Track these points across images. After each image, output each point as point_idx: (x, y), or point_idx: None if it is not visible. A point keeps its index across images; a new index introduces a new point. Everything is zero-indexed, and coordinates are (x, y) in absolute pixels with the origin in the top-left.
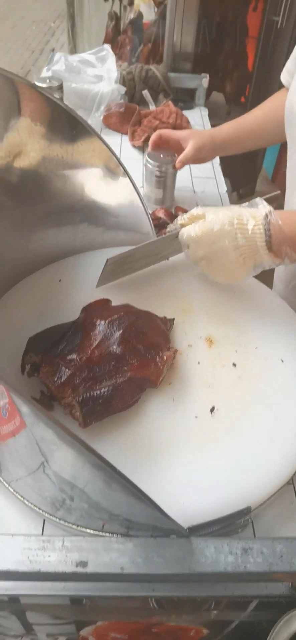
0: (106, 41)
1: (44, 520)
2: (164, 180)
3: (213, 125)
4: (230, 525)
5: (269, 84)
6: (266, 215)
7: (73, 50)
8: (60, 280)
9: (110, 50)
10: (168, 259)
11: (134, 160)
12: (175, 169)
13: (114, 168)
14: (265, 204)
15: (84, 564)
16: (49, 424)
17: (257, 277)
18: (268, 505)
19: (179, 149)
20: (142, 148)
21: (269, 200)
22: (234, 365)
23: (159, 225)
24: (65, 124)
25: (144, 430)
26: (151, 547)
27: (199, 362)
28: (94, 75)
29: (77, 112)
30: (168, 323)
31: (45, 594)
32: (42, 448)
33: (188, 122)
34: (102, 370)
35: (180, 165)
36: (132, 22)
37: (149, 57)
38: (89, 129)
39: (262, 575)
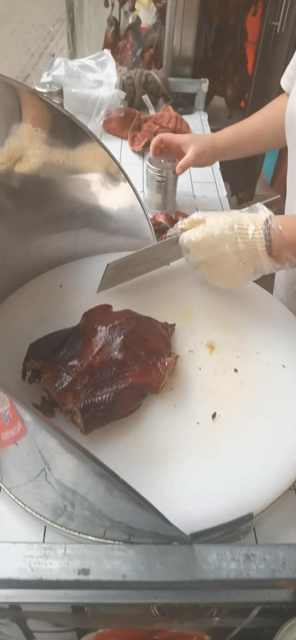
0: (105, 47)
1: (45, 527)
2: (165, 185)
3: (213, 130)
4: (232, 531)
5: (268, 89)
6: (267, 220)
7: (73, 54)
8: (61, 286)
9: (110, 55)
10: (168, 264)
11: (134, 165)
12: (175, 174)
13: (115, 173)
14: (265, 209)
15: (86, 571)
16: (51, 432)
17: (258, 281)
18: (270, 511)
19: (180, 153)
20: (142, 153)
21: (269, 205)
22: (235, 370)
23: (160, 230)
24: (66, 130)
25: (145, 436)
26: (153, 554)
27: (200, 368)
28: (94, 80)
29: (78, 117)
30: (169, 328)
31: (46, 602)
32: (43, 455)
33: (187, 126)
34: (103, 377)
35: (180, 170)
36: (131, 27)
37: (150, 63)
38: (90, 135)
39: (265, 582)
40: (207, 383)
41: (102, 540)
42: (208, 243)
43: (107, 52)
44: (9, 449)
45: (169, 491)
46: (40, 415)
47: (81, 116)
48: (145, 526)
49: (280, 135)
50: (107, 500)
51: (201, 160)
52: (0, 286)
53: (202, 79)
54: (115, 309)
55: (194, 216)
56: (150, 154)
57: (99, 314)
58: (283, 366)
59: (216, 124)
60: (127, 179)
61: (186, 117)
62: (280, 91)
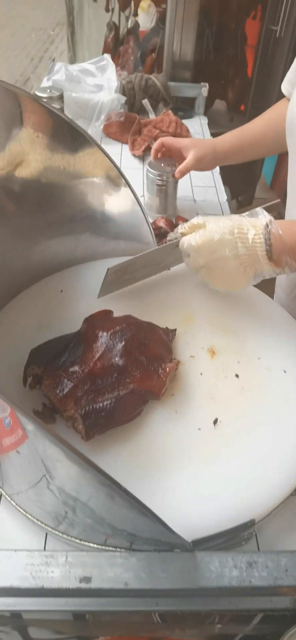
0: (105, 51)
1: (47, 534)
2: (165, 190)
3: (215, 134)
4: (234, 538)
5: (268, 93)
6: (267, 225)
7: (73, 57)
8: (61, 291)
9: (110, 59)
10: (169, 268)
11: (135, 170)
12: (175, 179)
13: (116, 178)
14: (265, 213)
15: (87, 579)
16: (52, 441)
17: (258, 285)
18: (272, 517)
19: (181, 157)
20: (142, 157)
21: (269, 209)
22: (236, 376)
23: (160, 235)
24: (67, 135)
25: (147, 442)
26: (155, 561)
27: (201, 373)
28: (94, 84)
29: (78, 121)
30: (170, 334)
31: (47, 610)
32: (45, 462)
33: (187, 131)
34: (104, 383)
35: (179, 175)
36: (132, 32)
37: (152, 67)
38: (91, 140)
39: (267, 589)
40: (208, 388)
41: (103, 547)
42: (209, 247)
43: (107, 56)
44: (9, 455)
45: (171, 497)
46: (41, 424)
47: (81, 120)
48: (147, 533)
49: (281, 140)
50: (109, 508)
51: (201, 165)
52: (1, 291)
53: (202, 83)
54: (116, 314)
55: (195, 220)
56: (151, 157)
57: (100, 320)
58: (284, 371)
59: (217, 127)
60: (127, 183)
61: (186, 122)
62: (280, 94)
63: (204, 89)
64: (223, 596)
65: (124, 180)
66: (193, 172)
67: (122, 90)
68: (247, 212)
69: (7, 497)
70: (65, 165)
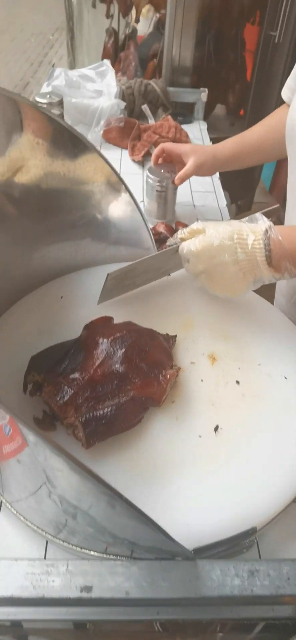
0: (104, 57)
1: (47, 542)
2: (165, 195)
3: (215, 139)
4: (235, 546)
5: (267, 98)
6: (266, 231)
7: (72, 62)
8: (62, 297)
9: (109, 65)
10: (169, 274)
11: (134, 175)
12: (175, 185)
13: (116, 184)
14: (265, 219)
15: (88, 588)
16: (53, 451)
17: (258, 291)
18: (273, 524)
19: (182, 163)
20: (142, 162)
21: (268, 214)
22: (237, 382)
23: (160, 240)
24: (67, 142)
25: (147, 450)
26: (156, 570)
27: (202, 380)
28: (93, 90)
29: (78, 126)
30: (171, 340)
31: (48, 619)
32: (45, 470)
33: (187, 136)
34: (105, 390)
35: (179, 181)
36: (132, 38)
37: (154, 73)
38: (91, 147)
39: (269, 598)
40: (209, 395)
41: (104, 555)
42: (208, 253)
43: (106, 62)
44: (9, 462)
45: (172, 506)
46: (41, 434)
47: (80, 126)
48: (148, 542)
49: (281, 146)
50: (110, 516)
51: (201, 172)
52: (1, 298)
53: (201, 89)
54: (116, 320)
55: (194, 226)
56: (152, 163)
57: (100, 326)
58: (285, 377)
59: (217, 132)
60: (127, 189)
61: (185, 127)
62: (279, 99)
63: (203, 95)
64: (225, 605)
65: (124, 186)
66: (192, 178)
67: (122, 95)
68: (246, 218)
69: (7, 504)
70: (65, 172)
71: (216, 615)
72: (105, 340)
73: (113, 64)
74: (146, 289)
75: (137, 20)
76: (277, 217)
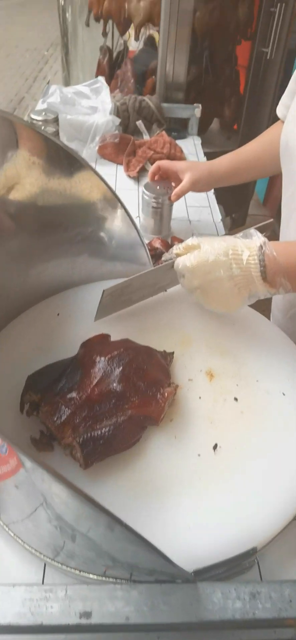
0: (99, 74)
1: (45, 565)
2: (160, 211)
3: (211, 153)
4: (236, 566)
5: (260, 113)
6: (261, 246)
7: (67, 77)
8: (58, 314)
9: (104, 82)
10: (165, 290)
11: (130, 191)
12: (171, 202)
13: (111, 200)
14: (259, 234)
15: (88, 614)
16: (50, 479)
17: (255, 306)
18: (274, 543)
19: (177, 180)
20: (137, 178)
21: (262, 229)
22: (235, 399)
23: (156, 256)
24: (63, 161)
25: (146, 469)
26: (156, 594)
27: (200, 397)
28: (88, 106)
29: (73, 143)
30: (168, 357)
31: None
32: (42, 492)
33: (181, 151)
34: (102, 409)
35: (175, 198)
36: (123, 54)
37: (153, 89)
38: (86, 165)
39: (271, 621)
40: (207, 413)
41: (103, 578)
42: (203, 268)
43: (101, 79)
44: (6, 483)
45: (171, 527)
46: (39, 461)
47: (76, 142)
48: (148, 564)
49: (277, 162)
50: (109, 539)
51: (197, 188)
52: None
53: (195, 105)
54: (113, 336)
55: (189, 241)
56: (148, 179)
57: (97, 344)
58: (283, 394)
59: (211, 147)
60: (123, 207)
61: (179, 142)
62: (271, 114)
63: (197, 110)
64: (226, 629)
65: (119, 203)
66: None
67: (117, 112)
68: (241, 233)
69: (4, 527)
70: (61, 190)
71: (217, 639)
72: (102, 358)
73: (108, 81)
74: (142, 305)
75: (136, 39)
76: (272, 231)
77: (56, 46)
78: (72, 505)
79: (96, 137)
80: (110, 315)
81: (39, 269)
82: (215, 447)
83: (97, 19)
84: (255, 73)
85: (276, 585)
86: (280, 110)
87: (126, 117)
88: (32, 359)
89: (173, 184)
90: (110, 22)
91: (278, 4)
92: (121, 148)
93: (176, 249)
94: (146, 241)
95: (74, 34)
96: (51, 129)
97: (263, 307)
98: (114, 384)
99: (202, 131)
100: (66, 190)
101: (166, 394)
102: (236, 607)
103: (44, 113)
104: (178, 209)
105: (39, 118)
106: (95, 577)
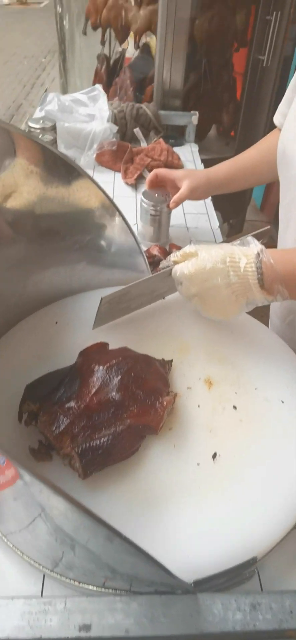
0: (97, 82)
1: (44, 576)
2: (158, 219)
3: (207, 160)
4: (236, 577)
5: (256, 119)
6: (258, 254)
7: (65, 84)
8: (57, 323)
9: (101, 89)
10: (164, 297)
11: (128, 198)
12: (169, 209)
13: (109, 208)
14: (257, 242)
15: (87, 627)
16: (49, 490)
17: (253, 312)
18: (274, 552)
19: (175, 188)
20: (135, 185)
21: (259, 236)
22: (234, 407)
23: (154, 263)
24: (61, 169)
25: (145, 479)
26: (156, 605)
27: (199, 405)
28: (86, 114)
29: (71, 150)
30: (167, 365)
31: None
32: (41, 503)
33: (179, 158)
34: (101, 418)
35: (174, 205)
36: (118, 61)
37: (152, 97)
38: (84, 174)
39: (272, 633)
40: (206, 421)
41: (102, 589)
42: (201, 276)
43: (98, 86)
44: (4, 493)
45: (171, 536)
46: (36, 474)
47: (74, 150)
48: (147, 575)
49: (274, 170)
50: (108, 550)
51: (195, 195)
52: None
53: (192, 112)
54: (112, 344)
55: (187, 249)
56: (146, 187)
57: (95, 353)
58: (282, 401)
59: (209, 154)
60: (121, 215)
61: (177, 149)
62: (268, 121)
63: (194, 117)
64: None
65: (117, 211)
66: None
67: (114, 119)
68: (238, 241)
69: (3, 537)
70: (59, 198)
71: None
72: (101, 367)
73: (106, 89)
74: (141, 313)
75: (137, 47)
76: (270, 237)
77: (54, 53)
78: (70, 517)
79: (93, 145)
80: (108, 323)
81: (37, 277)
82: (214, 455)
83: (95, 28)
84: (252, 80)
85: (276, 596)
86: (277, 119)
87: (124, 125)
88: (30, 368)
89: (171, 193)
90: (108, 30)
91: (274, 12)
92: (118, 155)
93: (174, 256)
94: (144, 248)
95: (71, 41)
96: (48, 137)
97: (261, 312)
98: (113, 393)
99: (201, 137)
100: (64, 198)
101: (164, 403)
102: (237, 618)
103: (41, 121)
104: (176, 216)
105: (37, 126)
106: (94, 588)
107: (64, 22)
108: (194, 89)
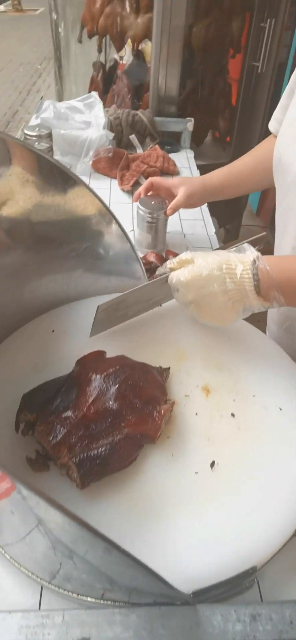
0: (93, 90)
1: (42, 588)
2: (155, 226)
3: (203, 165)
4: (235, 587)
5: (252, 125)
6: (254, 261)
7: (60, 90)
8: (53, 331)
9: (97, 97)
10: (160, 304)
11: (124, 204)
12: (166, 216)
13: (106, 216)
14: (253, 249)
15: None
16: (46, 506)
17: (251, 317)
18: (273, 560)
19: (170, 196)
20: (131, 192)
21: (255, 242)
22: (232, 415)
23: (151, 270)
24: (57, 178)
25: (143, 488)
26: (155, 618)
27: (197, 414)
28: (82, 121)
29: (67, 157)
30: (164, 373)
31: None
32: (38, 516)
33: (175, 165)
34: (98, 428)
35: (171, 212)
36: (115, 68)
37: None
38: (81, 182)
39: None
40: (204, 429)
41: (101, 601)
42: (197, 283)
43: (94, 94)
44: (1, 505)
45: (170, 546)
46: (33, 488)
47: (70, 157)
48: (146, 587)
49: (269, 176)
50: (107, 562)
51: (191, 202)
52: None
53: (187, 118)
54: (108, 352)
55: (183, 256)
56: (141, 194)
57: (92, 361)
58: (280, 409)
59: (205, 159)
60: (117, 222)
61: (172, 156)
62: (263, 127)
63: (189, 124)
64: None
65: (114, 219)
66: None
67: (110, 126)
68: (234, 248)
69: (0, 549)
70: (56, 206)
71: None
72: (98, 376)
73: (102, 97)
74: (138, 320)
75: (136, 54)
76: (267, 242)
77: (50, 60)
78: (68, 529)
79: (89, 152)
80: (105, 330)
81: (33, 285)
82: (213, 464)
83: (91, 36)
84: (247, 86)
85: (276, 606)
86: (272, 125)
87: (119, 132)
88: (27, 377)
89: (167, 200)
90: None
91: (268, 20)
92: (114, 162)
93: (170, 263)
94: (141, 255)
95: (67, 48)
96: (44, 144)
97: (258, 318)
98: (110, 402)
99: (198, 144)
100: (60, 206)
101: (162, 412)
102: (237, 629)
103: (37, 128)
104: (173, 223)
105: (33, 133)
106: (93, 600)
107: (60, 29)
108: (191, 96)
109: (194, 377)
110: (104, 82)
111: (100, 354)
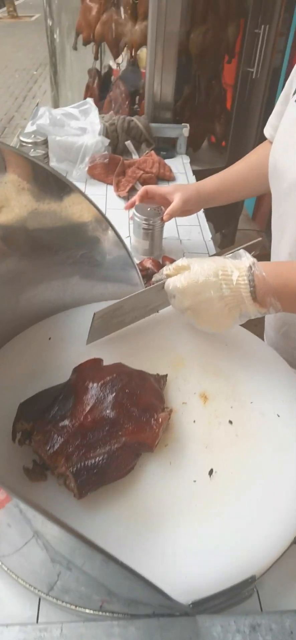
0: (88, 96)
1: (40, 599)
2: (151, 233)
3: (199, 171)
4: (235, 596)
5: (247, 130)
6: (250, 267)
7: (56, 96)
8: (50, 339)
9: (92, 103)
10: (157, 311)
11: (120, 210)
12: (163, 222)
13: (102, 223)
14: (249, 255)
15: None
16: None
17: (249, 323)
18: (273, 569)
19: (165, 203)
20: (127, 198)
21: (251, 248)
22: (230, 422)
23: (148, 276)
24: (52, 185)
25: (141, 497)
26: (154, 629)
27: (194, 421)
28: (77, 127)
29: (63, 164)
30: (161, 380)
31: None
32: (35, 528)
33: (170, 170)
34: (96, 437)
35: (168, 218)
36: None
37: None
38: (76, 190)
39: None
40: (202, 437)
41: (99, 613)
42: (193, 289)
43: (90, 100)
44: None
45: (168, 556)
46: (30, 501)
47: (65, 163)
48: (145, 598)
49: (264, 182)
50: (105, 574)
51: (187, 207)
52: None
53: (183, 124)
54: (105, 360)
55: (180, 262)
56: (136, 202)
57: (89, 369)
58: (278, 415)
59: (201, 164)
60: (113, 229)
61: (168, 161)
62: (258, 132)
63: (185, 130)
64: None
65: (110, 226)
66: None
67: (106, 132)
68: (230, 254)
69: None
70: (52, 214)
71: None
72: (95, 384)
73: (98, 103)
74: (135, 327)
75: (134, 61)
76: (263, 246)
77: (45, 66)
78: (65, 541)
79: (85, 158)
80: (102, 338)
81: (30, 293)
82: (211, 472)
83: (87, 43)
84: (242, 92)
85: (276, 616)
86: (267, 131)
87: (115, 138)
88: (24, 385)
89: (163, 207)
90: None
91: (262, 26)
92: (110, 168)
93: (167, 269)
94: (137, 261)
95: (62, 54)
96: (40, 151)
97: (255, 322)
98: (108, 411)
99: (195, 149)
100: (56, 213)
101: (160, 420)
102: None
103: (33, 135)
104: (169, 229)
105: (29, 140)
106: (91, 611)
107: (55, 36)
108: (189, 101)
109: (192, 384)
110: (100, 88)
111: (97, 361)
